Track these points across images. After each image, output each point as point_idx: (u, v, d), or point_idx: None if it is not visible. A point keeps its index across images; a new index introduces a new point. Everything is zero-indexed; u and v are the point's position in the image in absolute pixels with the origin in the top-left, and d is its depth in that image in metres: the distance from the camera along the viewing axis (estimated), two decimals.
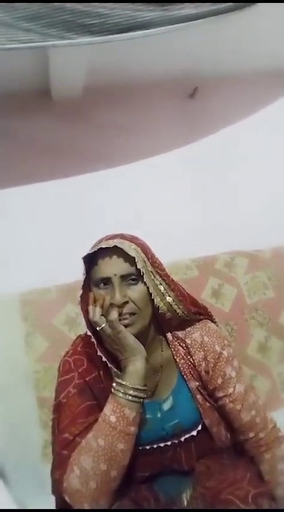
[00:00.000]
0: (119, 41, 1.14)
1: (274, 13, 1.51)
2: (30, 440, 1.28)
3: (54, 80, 1.64)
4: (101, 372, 0.91)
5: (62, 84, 1.67)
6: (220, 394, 0.94)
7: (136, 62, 1.69)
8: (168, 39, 1.28)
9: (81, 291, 0.90)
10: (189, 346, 0.95)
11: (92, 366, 0.92)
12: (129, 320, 0.86)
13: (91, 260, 0.89)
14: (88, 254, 0.88)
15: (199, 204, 1.86)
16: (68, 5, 1.07)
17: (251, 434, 0.91)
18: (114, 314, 0.83)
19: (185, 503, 0.90)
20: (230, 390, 0.93)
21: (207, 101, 1.94)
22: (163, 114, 1.90)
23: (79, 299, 0.91)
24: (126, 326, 0.85)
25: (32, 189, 1.70)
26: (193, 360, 0.95)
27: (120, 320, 0.85)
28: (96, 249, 0.87)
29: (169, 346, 0.97)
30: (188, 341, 0.96)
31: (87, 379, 0.90)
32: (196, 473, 0.96)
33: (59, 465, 0.82)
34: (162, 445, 0.93)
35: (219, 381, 0.93)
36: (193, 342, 0.95)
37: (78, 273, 1.49)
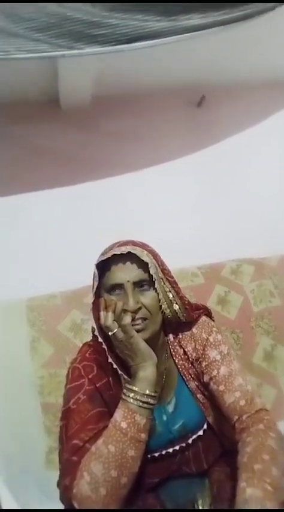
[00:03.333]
0: (127, 51, 1.16)
1: (281, 22, 1.52)
2: (34, 446, 1.28)
3: (63, 89, 1.66)
4: (110, 379, 0.91)
5: (70, 93, 1.70)
6: (206, 378, 0.93)
7: (144, 72, 1.71)
8: (175, 48, 1.30)
9: (93, 297, 0.91)
10: (181, 339, 0.96)
11: (102, 373, 0.91)
12: (141, 325, 0.86)
13: (103, 266, 0.89)
14: (102, 260, 0.88)
15: (205, 211, 1.86)
16: (77, 15, 1.09)
17: (235, 418, 0.86)
18: (127, 318, 0.83)
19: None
20: (214, 373, 0.92)
21: (214, 110, 1.95)
22: (170, 123, 1.91)
23: (92, 305, 0.91)
24: (138, 331, 0.86)
25: (40, 196, 1.72)
26: (186, 354, 0.95)
27: (132, 325, 0.85)
28: (109, 255, 0.87)
29: (169, 347, 0.97)
30: (180, 335, 0.97)
31: (97, 385, 0.90)
32: (214, 481, 0.95)
33: (68, 472, 0.80)
34: (170, 450, 0.93)
35: (204, 364, 0.94)
36: (183, 335, 0.97)
37: (84, 279, 1.50)
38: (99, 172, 1.79)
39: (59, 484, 0.83)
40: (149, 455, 0.91)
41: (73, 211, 1.74)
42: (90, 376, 0.91)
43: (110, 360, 0.88)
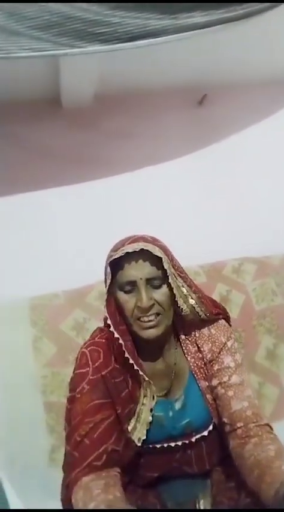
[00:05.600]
0: (129, 49, 1.16)
1: (281, 20, 1.52)
2: (37, 446, 1.28)
3: (65, 88, 1.66)
4: (118, 366, 0.91)
5: (72, 92, 1.70)
6: (215, 382, 0.93)
7: (145, 71, 1.71)
8: (177, 47, 1.30)
9: (105, 295, 0.91)
10: (197, 338, 0.96)
11: (108, 359, 0.92)
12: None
13: (114, 263, 0.89)
14: (114, 259, 0.88)
15: (207, 210, 1.86)
16: (79, 14, 1.08)
17: (240, 424, 0.86)
18: None
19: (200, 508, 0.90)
20: (225, 379, 0.92)
21: (216, 108, 1.95)
22: (172, 121, 1.91)
23: (105, 302, 0.91)
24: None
25: (41, 196, 1.72)
26: (201, 353, 0.95)
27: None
28: (122, 254, 0.86)
29: (181, 345, 0.97)
30: (197, 334, 0.96)
31: (103, 373, 0.90)
32: (214, 481, 0.95)
33: (70, 467, 0.83)
34: (172, 444, 0.93)
35: (215, 367, 0.93)
36: (201, 334, 0.96)
37: (86, 278, 1.52)
38: (101, 171, 1.79)
39: (63, 483, 0.84)
40: (150, 445, 0.91)
41: (75, 210, 1.74)
42: (96, 364, 0.91)
43: (126, 355, 0.88)
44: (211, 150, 1.92)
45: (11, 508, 0.98)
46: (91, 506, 0.73)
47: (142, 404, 0.90)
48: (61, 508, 0.90)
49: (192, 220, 1.83)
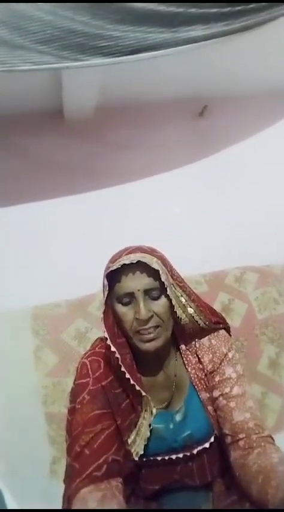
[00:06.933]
0: (130, 62, 1.18)
1: (281, 33, 1.54)
2: (38, 457, 1.27)
3: (67, 100, 1.69)
4: (116, 377, 0.91)
5: (74, 104, 1.72)
6: (216, 393, 0.92)
7: (147, 83, 1.73)
8: (178, 60, 1.32)
9: (103, 307, 0.90)
10: (198, 349, 0.95)
11: (108, 369, 0.91)
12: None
13: (112, 275, 0.88)
14: (111, 271, 0.87)
15: (208, 220, 1.87)
16: (81, 28, 1.11)
17: (242, 435, 0.86)
18: None
19: None
20: (227, 390, 0.91)
21: (216, 119, 1.97)
22: (174, 132, 1.93)
23: (102, 314, 0.90)
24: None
25: (43, 206, 1.73)
26: (202, 364, 0.94)
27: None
28: (118, 266, 0.85)
29: (181, 355, 0.96)
30: (197, 345, 0.96)
31: (103, 383, 0.90)
32: (215, 493, 0.94)
33: (70, 479, 0.82)
34: (173, 457, 0.92)
35: (217, 378, 0.92)
36: (201, 345, 0.96)
37: (88, 288, 1.52)
38: (103, 182, 1.80)
39: (64, 496, 0.83)
40: (151, 458, 0.90)
41: (77, 221, 1.75)
42: (96, 375, 0.91)
43: (123, 369, 0.87)
44: (211, 160, 1.94)
45: (11, 508, 0.97)
46: None
47: (143, 418, 0.89)
48: None
49: (192, 230, 1.84)
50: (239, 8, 1.16)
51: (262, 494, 0.74)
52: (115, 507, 0.74)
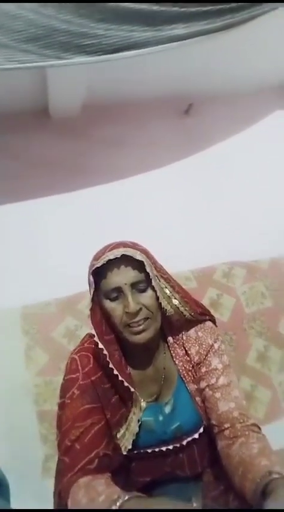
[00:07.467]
0: (114, 60, 1.18)
1: (265, 32, 1.56)
2: (31, 455, 1.27)
3: (53, 98, 1.69)
4: (104, 373, 0.91)
5: (60, 103, 1.72)
6: (203, 384, 0.93)
7: (133, 80, 1.74)
8: (163, 57, 1.33)
9: (90, 304, 0.89)
10: (185, 342, 0.96)
11: (97, 364, 0.92)
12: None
13: (98, 272, 0.88)
14: (97, 268, 0.87)
15: (196, 216, 1.89)
16: (65, 26, 1.11)
17: (227, 425, 0.86)
18: None
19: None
20: (213, 381, 0.92)
21: (202, 117, 1.99)
22: (160, 130, 1.94)
23: (89, 312, 0.90)
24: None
25: (31, 205, 1.73)
26: (189, 356, 0.95)
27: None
28: (104, 262, 0.85)
29: (169, 348, 0.98)
30: (184, 337, 0.97)
31: (92, 378, 0.90)
32: (204, 483, 0.96)
33: (61, 474, 0.82)
34: (163, 448, 0.93)
35: (203, 369, 0.93)
36: (188, 337, 0.96)
37: (78, 286, 1.52)
38: (90, 180, 1.81)
39: (54, 491, 0.84)
40: (142, 451, 0.91)
41: (66, 219, 1.75)
42: (85, 370, 0.91)
43: (111, 366, 0.87)
44: (197, 158, 1.96)
45: (11, 508, 0.97)
46: (101, 499, 0.72)
47: (133, 413, 0.90)
48: None
49: (181, 226, 1.85)
50: (220, 6, 1.17)
51: (242, 486, 0.75)
52: (118, 491, 0.74)
